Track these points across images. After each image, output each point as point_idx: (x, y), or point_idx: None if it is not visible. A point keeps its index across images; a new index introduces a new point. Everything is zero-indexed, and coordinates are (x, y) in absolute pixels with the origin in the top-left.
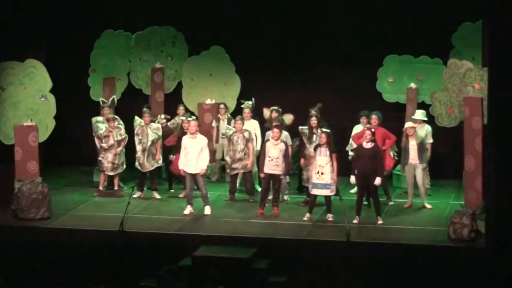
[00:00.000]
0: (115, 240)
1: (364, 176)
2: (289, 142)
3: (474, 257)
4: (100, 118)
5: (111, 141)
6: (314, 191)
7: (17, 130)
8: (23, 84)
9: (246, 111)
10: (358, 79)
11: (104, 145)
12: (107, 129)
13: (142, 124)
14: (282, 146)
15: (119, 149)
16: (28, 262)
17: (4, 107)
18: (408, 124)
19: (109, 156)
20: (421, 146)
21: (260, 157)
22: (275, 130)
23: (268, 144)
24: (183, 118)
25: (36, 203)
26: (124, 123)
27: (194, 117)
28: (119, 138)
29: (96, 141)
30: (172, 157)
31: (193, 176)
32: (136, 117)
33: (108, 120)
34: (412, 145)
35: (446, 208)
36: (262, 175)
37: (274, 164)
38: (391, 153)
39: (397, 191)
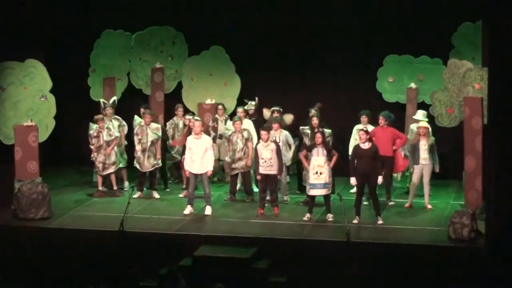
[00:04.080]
0: (115, 240)
1: (363, 176)
2: (291, 141)
3: (474, 257)
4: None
5: (101, 141)
6: (312, 192)
7: (17, 130)
8: (23, 84)
9: (240, 110)
10: (358, 79)
11: (92, 146)
12: (96, 129)
13: (142, 124)
14: (273, 146)
15: (109, 149)
16: (28, 262)
17: (4, 107)
18: (422, 124)
19: (99, 156)
20: (432, 147)
21: (255, 160)
22: (262, 132)
23: (259, 147)
24: (190, 117)
25: (36, 203)
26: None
27: (198, 118)
28: (109, 138)
29: (89, 141)
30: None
31: (198, 176)
32: (136, 117)
33: (97, 120)
34: (423, 144)
35: (446, 208)
36: (259, 177)
37: (268, 165)
38: (402, 153)
39: (397, 191)
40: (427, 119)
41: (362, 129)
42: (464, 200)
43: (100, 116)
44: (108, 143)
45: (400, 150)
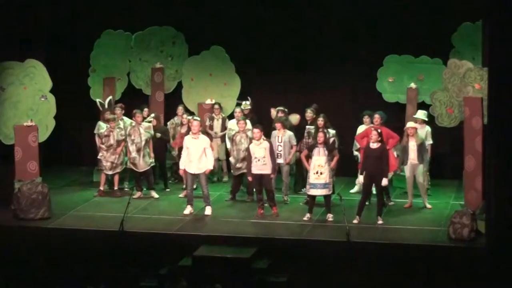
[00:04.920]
0: (115, 240)
1: (370, 176)
2: (293, 142)
3: (474, 257)
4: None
5: (111, 141)
6: (312, 192)
7: (17, 130)
8: (23, 84)
9: (237, 111)
10: (358, 79)
11: (103, 146)
12: (108, 128)
13: (133, 124)
14: (266, 144)
15: (119, 149)
16: (28, 262)
17: (4, 107)
18: (409, 124)
19: (108, 155)
20: (421, 147)
21: (246, 160)
22: (255, 130)
23: (252, 146)
24: (190, 117)
25: (36, 203)
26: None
27: (197, 118)
28: (120, 138)
29: (97, 140)
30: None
31: (195, 176)
32: (126, 118)
33: (108, 120)
34: (412, 145)
35: (446, 208)
36: (250, 178)
37: (262, 164)
38: (395, 153)
39: (397, 191)
40: (427, 119)
41: (375, 129)
42: (464, 200)
43: (112, 116)
44: (119, 143)
45: (392, 150)
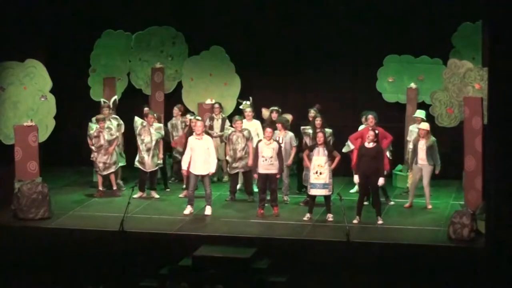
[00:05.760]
0: (115, 240)
1: (365, 176)
2: (294, 143)
3: (474, 257)
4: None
5: (101, 141)
6: (312, 192)
7: (17, 130)
8: (23, 84)
9: (248, 111)
10: (358, 79)
11: (93, 147)
12: (97, 129)
13: (144, 124)
14: (275, 145)
15: (111, 148)
16: (28, 262)
17: (4, 107)
18: (423, 126)
19: (100, 156)
20: (432, 149)
21: (253, 158)
22: (268, 129)
23: (261, 145)
24: (191, 117)
25: (36, 203)
26: (125, 123)
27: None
28: (110, 138)
29: (88, 141)
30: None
31: (198, 176)
32: (137, 118)
33: (98, 120)
34: (421, 144)
35: (446, 208)
36: (255, 176)
37: (269, 164)
38: (387, 153)
39: (397, 191)
40: (425, 118)
41: (372, 129)
42: (464, 200)
43: (101, 116)
44: (109, 143)
45: (385, 150)
